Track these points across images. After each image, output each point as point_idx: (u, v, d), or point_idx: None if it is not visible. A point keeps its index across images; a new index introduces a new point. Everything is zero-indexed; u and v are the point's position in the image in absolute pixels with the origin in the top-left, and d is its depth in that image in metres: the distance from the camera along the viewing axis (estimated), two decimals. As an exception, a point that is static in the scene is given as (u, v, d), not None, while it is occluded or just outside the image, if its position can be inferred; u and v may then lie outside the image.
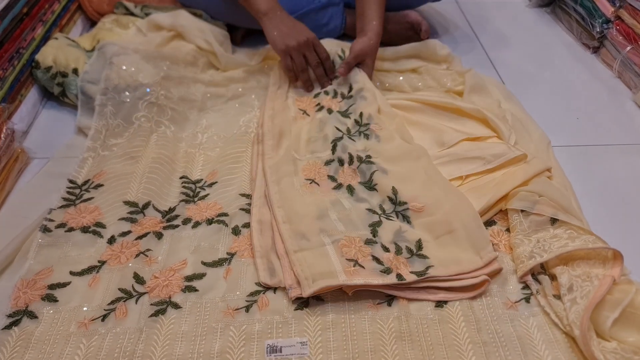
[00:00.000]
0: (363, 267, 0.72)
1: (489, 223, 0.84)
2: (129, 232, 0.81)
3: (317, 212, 0.82)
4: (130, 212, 0.84)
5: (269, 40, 1.07)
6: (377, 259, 0.74)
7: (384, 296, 0.72)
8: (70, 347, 0.66)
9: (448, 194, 0.83)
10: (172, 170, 0.93)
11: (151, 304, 0.71)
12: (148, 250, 0.78)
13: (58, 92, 1.07)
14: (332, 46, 1.15)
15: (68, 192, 0.87)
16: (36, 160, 0.96)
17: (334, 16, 1.27)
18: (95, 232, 0.80)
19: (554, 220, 0.78)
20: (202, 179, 0.91)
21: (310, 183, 0.88)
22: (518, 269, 0.76)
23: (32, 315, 0.69)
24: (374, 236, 0.78)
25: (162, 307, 0.70)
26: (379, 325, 0.69)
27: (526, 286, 0.75)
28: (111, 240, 0.79)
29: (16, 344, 0.66)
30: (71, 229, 0.81)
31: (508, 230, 0.82)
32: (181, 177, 0.91)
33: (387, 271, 0.72)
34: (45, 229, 0.80)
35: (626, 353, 0.64)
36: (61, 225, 0.81)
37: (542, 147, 0.97)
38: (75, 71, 1.06)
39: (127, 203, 0.85)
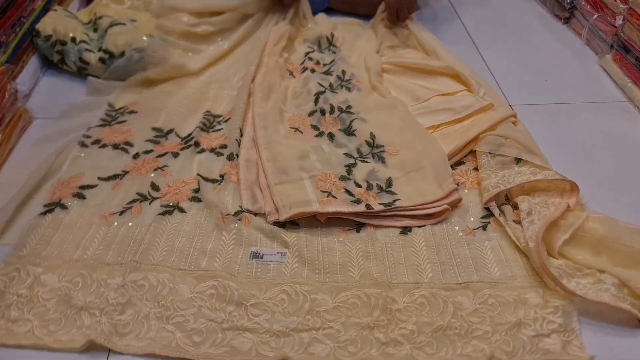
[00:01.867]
0: (335, 197, 0.82)
1: (458, 163, 0.91)
2: (152, 151, 0.93)
3: (298, 154, 0.91)
4: (156, 136, 0.97)
5: None
6: (349, 192, 0.83)
7: (353, 224, 0.81)
8: (91, 232, 0.79)
9: (420, 137, 0.92)
10: (199, 107, 1.05)
11: (161, 206, 0.83)
12: (165, 166, 0.90)
13: (57, 59, 1.13)
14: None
15: (106, 114, 1.01)
16: (38, 120, 1.04)
17: None
18: (123, 149, 0.94)
19: (518, 160, 0.85)
20: (221, 115, 1.03)
21: (295, 131, 0.98)
22: (484, 197, 0.83)
23: (63, 207, 0.83)
24: (349, 174, 0.87)
25: (170, 209, 0.82)
26: (348, 246, 0.78)
27: (485, 216, 0.82)
28: (136, 156, 0.92)
29: (49, 226, 0.80)
30: (104, 145, 0.94)
31: (475, 169, 0.90)
32: (206, 112, 1.03)
33: (357, 201, 0.82)
34: (83, 144, 0.94)
35: (569, 269, 0.71)
36: (96, 142, 0.95)
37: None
38: (73, 40, 1.12)
39: (154, 129, 0.98)
